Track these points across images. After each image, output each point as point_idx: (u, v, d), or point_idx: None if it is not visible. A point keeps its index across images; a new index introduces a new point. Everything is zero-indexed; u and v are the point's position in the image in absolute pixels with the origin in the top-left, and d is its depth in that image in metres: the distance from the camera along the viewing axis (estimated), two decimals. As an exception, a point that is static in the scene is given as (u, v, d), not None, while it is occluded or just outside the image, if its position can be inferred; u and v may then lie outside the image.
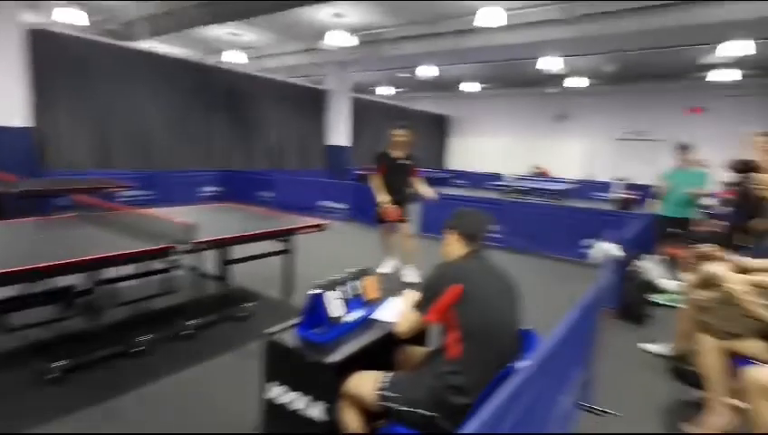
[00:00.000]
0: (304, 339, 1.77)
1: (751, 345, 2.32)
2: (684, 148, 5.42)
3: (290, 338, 1.79)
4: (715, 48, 9.13)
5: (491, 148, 18.70)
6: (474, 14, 7.82)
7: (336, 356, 1.64)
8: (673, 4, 7.43)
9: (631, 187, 12.99)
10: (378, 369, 1.77)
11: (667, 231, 5.44)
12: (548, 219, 6.72)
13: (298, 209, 8.73)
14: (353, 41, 9.70)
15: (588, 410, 2.53)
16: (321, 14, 9.56)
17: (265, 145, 12.39)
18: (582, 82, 13.81)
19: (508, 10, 7.73)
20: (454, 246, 1.82)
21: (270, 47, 12.64)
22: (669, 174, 5.46)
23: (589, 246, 5.73)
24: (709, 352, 2.40)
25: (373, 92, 17.89)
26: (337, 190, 9.25)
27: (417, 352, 1.95)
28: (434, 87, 17.21)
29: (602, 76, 13.69)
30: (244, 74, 11.69)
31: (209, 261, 3.68)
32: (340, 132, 13.31)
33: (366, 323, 1.95)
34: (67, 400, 2.37)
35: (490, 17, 7.44)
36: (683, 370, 2.87)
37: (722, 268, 2.87)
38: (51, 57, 7.73)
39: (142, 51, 9.66)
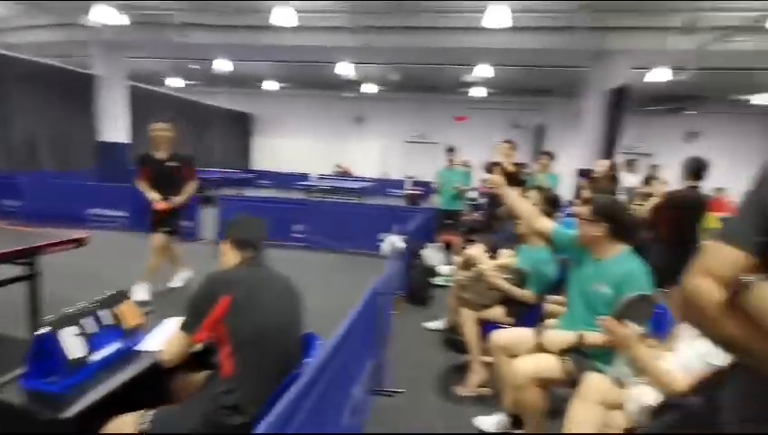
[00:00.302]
0: (34, 392, 1.38)
1: (495, 312, 2.88)
2: (450, 150, 6.46)
3: (13, 394, 1.36)
4: (470, 69, 11.16)
5: (296, 147, 18.77)
6: (268, 10, 7.64)
7: (76, 407, 1.32)
8: (433, 28, 8.73)
9: (418, 184, 14.86)
10: (151, 406, 1.51)
11: (442, 222, 6.38)
12: (349, 217, 7.10)
13: (59, 220, 7.09)
14: (123, 19, 8.32)
15: (378, 394, 2.73)
16: (80, -18, 7.91)
17: (6, 139, 9.61)
18: (373, 88, 15.12)
19: (300, 12, 7.82)
20: (228, 256, 1.70)
21: (13, 19, 9.84)
22: (441, 173, 6.41)
23: (382, 240, 6.31)
24: (467, 322, 2.87)
25: (162, 83, 15.82)
26: (112, 195, 7.84)
27: (197, 378, 1.74)
28: (232, 83, 16.26)
29: (390, 84, 15.22)
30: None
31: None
32: (115, 127, 11.27)
33: (125, 357, 1.64)
34: None
35: (282, 17, 7.40)
36: (453, 339, 3.38)
37: (476, 251, 3.47)
38: None
39: None
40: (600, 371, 1.90)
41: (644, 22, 7.82)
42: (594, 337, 1.93)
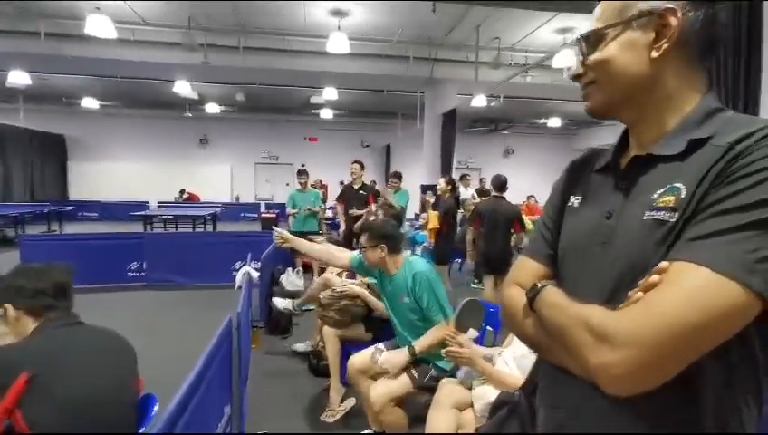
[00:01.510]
0: None
1: (356, 330, 2.92)
2: (301, 173, 6.46)
3: None
4: (319, 91, 11.39)
5: (130, 173, 16.46)
6: (74, 17, 6.62)
7: None
8: (279, 50, 8.72)
9: (271, 206, 14.46)
10: None
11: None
12: (198, 247, 6.48)
13: None
14: None
15: (242, 441, 2.51)
16: None
17: None
18: (215, 108, 14.30)
19: (119, 23, 6.99)
20: (20, 324, 1.36)
21: None
22: (294, 195, 6.36)
23: (239, 269, 5.92)
24: (329, 341, 2.86)
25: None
26: None
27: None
28: (35, 99, 13.59)
29: (236, 105, 14.58)
30: None
31: None
32: None
33: None
34: None
35: (98, 27, 6.50)
36: (317, 365, 3.33)
37: (331, 275, 3.50)
38: None
39: None
40: (442, 370, 2.14)
41: (462, 56, 9.06)
42: (421, 344, 2.17)
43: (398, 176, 6.57)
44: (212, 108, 14.28)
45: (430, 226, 5.95)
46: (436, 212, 5.99)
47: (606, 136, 15.54)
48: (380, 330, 2.86)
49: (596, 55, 0.71)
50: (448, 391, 1.91)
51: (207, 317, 3.16)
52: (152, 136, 16.79)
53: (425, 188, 8.95)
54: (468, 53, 8.82)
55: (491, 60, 8.37)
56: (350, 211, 5.86)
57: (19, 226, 9.91)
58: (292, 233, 6.22)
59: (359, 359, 2.39)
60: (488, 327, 2.54)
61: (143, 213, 10.52)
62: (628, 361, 0.57)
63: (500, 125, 16.96)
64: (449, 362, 2.10)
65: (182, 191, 15.64)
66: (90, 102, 13.55)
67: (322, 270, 6.27)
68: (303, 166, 9.08)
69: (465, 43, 8.61)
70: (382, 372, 2.20)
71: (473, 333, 1.97)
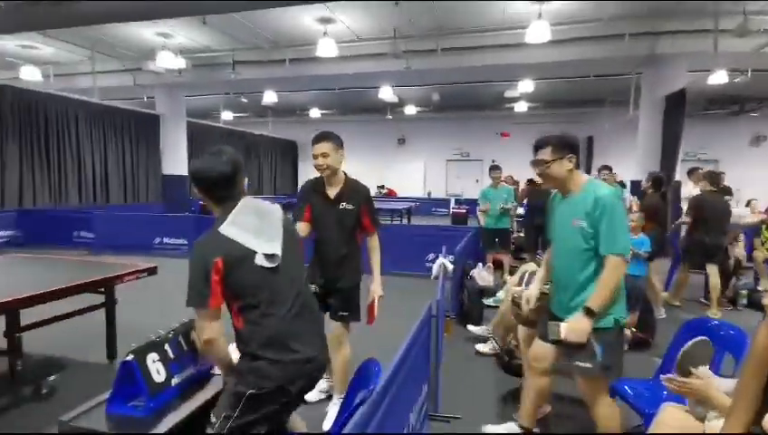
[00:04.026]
0: (118, 416, 1.49)
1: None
2: (494, 168, 6.38)
3: (97, 420, 1.48)
4: (510, 85, 11.07)
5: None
6: (308, 43, 8.02)
7: (159, 430, 1.41)
8: (473, 48, 8.78)
9: (461, 202, 14.71)
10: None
11: (490, 241, 6.28)
12: (396, 238, 7.11)
13: (129, 250, 7.66)
14: (181, 63, 9.03)
15: (434, 419, 2.69)
16: (146, 32, 8.69)
17: (82, 176, 10.56)
18: (413, 109, 15.34)
19: (340, 42, 8.14)
20: (208, 204, 1.67)
21: (82, 64, 10.93)
22: (486, 191, 6.34)
23: (432, 261, 6.27)
24: (524, 341, 2.78)
25: (217, 118, 16.88)
26: (175, 224, 8.36)
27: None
28: (279, 113, 17.05)
29: (430, 105, 15.37)
30: (48, 94, 9.84)
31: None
32: (177, 160, 12.13)
33: (199, 380, 1.74)
34: None
35: (326, 48, 7.75)
36: (509, 363, 3.29)
37: (534, 267, 3.39)
38: None
39: None
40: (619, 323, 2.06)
41: (696, 25, 7.47)
42: (597, 300, 1.97)
43: (609, 169, 6.04)
44: (409, 109, 15.39)
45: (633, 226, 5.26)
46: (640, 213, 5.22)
47: None
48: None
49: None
50: (674, 418, 1.65)
51: (403, 302, 3.48)
52: (359, 137, 19.05)
53: (635, 186, 7.78)
54: (704, 20, 7.25)
55: (734, 27, 6.69)
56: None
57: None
58: (484, 229, 6.29)
59: (540, 349, 2.31)
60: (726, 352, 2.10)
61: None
62: None
63: (746, 106, 13.42)
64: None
65: (381, 187, 17.34)
66: (315, 112, 16.32)
67: (513, 268, 6.14)
68: (494, 161, 8.92)
69: (699, 9, 7.09)
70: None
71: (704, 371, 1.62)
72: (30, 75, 9.75)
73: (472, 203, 13.09)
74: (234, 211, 1.55)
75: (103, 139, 10.93)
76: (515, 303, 2.92)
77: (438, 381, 2.84)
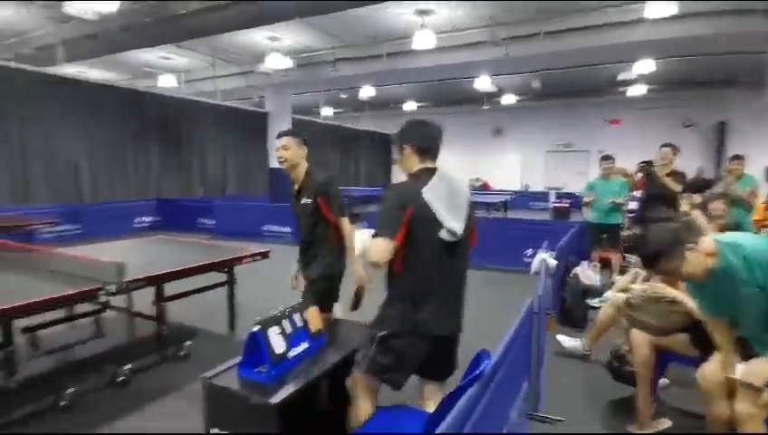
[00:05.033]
0: (246, 380, 1.69)
1: (677, 340, 2.50)
2: (605, 159, 5.86)
3: (231, 379, 1.70)
4: (625, 66, 10.05)
5: (437, 163, 19.24)
6: (405, 36, 8.08)
7: (280, 395, 1.58)
8: (580, 28, 8.12)
9: (563, 196, 13.81)
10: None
11: (597, 237, 5.82)
12: (492, 232, 6.93)
13: (242, 236, 8.50)
14: (288, 63, 9.69)
15: (535, 419, 2.60)
16: (258, 37, 9.48)
17: (205, 171, 11.94)
18: (511, 99, 14.68)
19: (438, 33, 8.08)
20: (410, 161, 1.83)
21: (205, 70, 12.30)
22: (594, 184, 5.87)
23: (530, 256, 6.01)
24: (640, 348, 2.55)
25: (317, 114, 17.88)
26: (281, 214, 9.06)
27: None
28: (373, 107, 17.50)
29: (531, 93, 14.60)
30: (180, 99, 11.27)
31: (142, 299, 3.44)
32: (282, 154, 13.11)
33: (313, 355, 1.90)
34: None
35: (423, 40, 7.75)
36: (619, 369, 3.05)
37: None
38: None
39: (61, 76, 9.03)
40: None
41: None
42: None
43: (740, 159, 5.27)
44: (507, 99, 14.78)
45: (756, 217, 4.56)
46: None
47: None
48: (710, 344, 2.38)
49: None
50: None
51: (498, 297, 3.40)
52: (453, 129, 18.74)
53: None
54: None
55: None
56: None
57: (362, 205, 13.09)
58: (591, 225, 5.83)
59: (712, 371, 2.03)
60: None
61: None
62: None
63: None
64: None
65: (476, 179, 16.97)
66: (410, 105, 16.44)
67: (624, 268, 5.63)
68: (601, 151, 8.17)
69: None
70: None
71: None
72: (167, 82, 11.23)
73: (575, 197, 12.24)
74: (434, 178, 1.72)
75: (222, 136, 12.20)
76: (631, 304, 2.70)
77: (540, 380, 2.74)
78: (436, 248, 1.70)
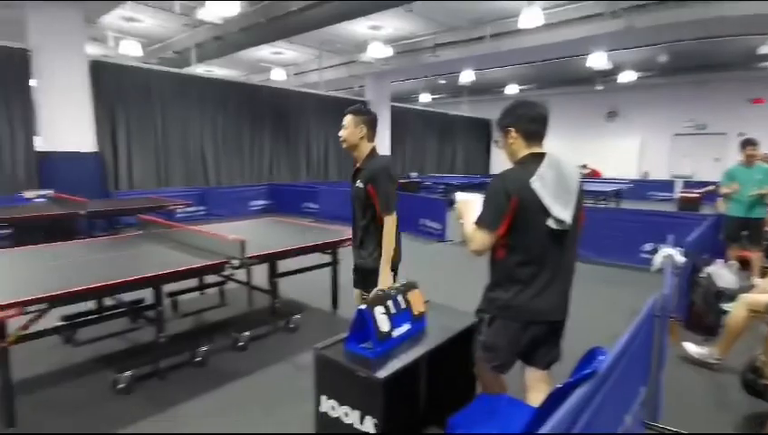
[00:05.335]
0: (353, 354, 1.78)
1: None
2: (748, 143, 5.01)
3: (338, 352, 1.81)
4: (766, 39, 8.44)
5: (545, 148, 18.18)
6: (509, 16, 7.67)
7: (385, 372, 1.64)
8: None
9: (693, 185, 12.18)
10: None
11: (736, 233, 5.04)
12: (602, 224, 6.36)
13: (343, 220, 8.88)
14: (388, 51, 9.81)
15: (653, 430, 2.37)
16: (359, 27, 9.74)
17: (310, 158, 12.72)
18: (631, 76, 13.16)
19: (545, 10, 7.54)
20: (515, 145, 1.75)
21: (310, 63, 13.02)
22: (733, 171, 5.05)
23: (650, 251, 5.42)
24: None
25: (415, 100, 17.91)
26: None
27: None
28: (473, 92, 17.00)
29: (654, 69, 12.98)
30: (289, 90, 12.09)
31: (259, 274, 3.80)
32: (379, 142, 13.43)
33: (415, 337, 1.94)
34: (135, 408, 2.52)
35: (529, 19, 7.29)
36: (753, 380, 2.64)
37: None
38: (111, 86, 8.34)
39: (194, 75, 10.24)
40: None
41: None
42: None
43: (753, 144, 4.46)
44: (626, 76, 13.29)
45: None
46: None
47: None
48: None
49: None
50: None
51: (612, 295, 3.10)
52: (559, 112, 17.43)
53: None
54: None
55: None
56: None
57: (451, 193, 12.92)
58: (729, 218, 5.06)
59: None
60: None
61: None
62: None
63: None
64: None
65: (583, 166, 15.65)
66: (512, 89, 15.66)
67: (765, 270, 4.81)
68: (742, 134, 6.93)
69: None
70: None
71: None
72: (278, 76, 12.11)
73: (707, 185, 10.67)
74: (543, 165, 1.65)
75: (324, 125, 12.85)
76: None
77: (660, 387, 2.48)
78: (544, 236, 1.65)
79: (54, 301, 2.15)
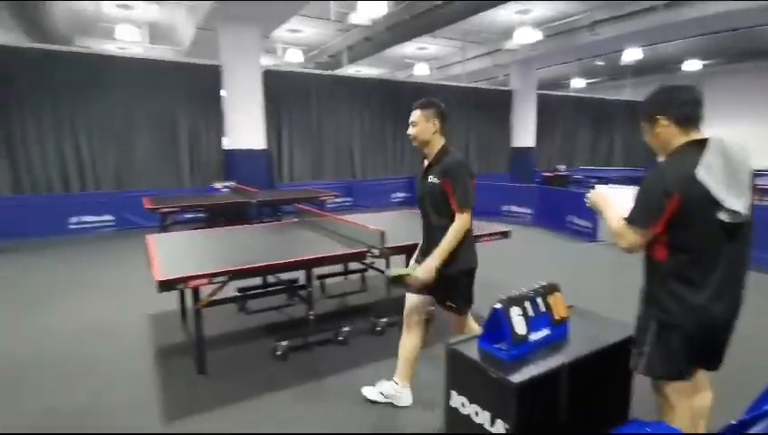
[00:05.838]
0: (486, 353, 1.74)
1: None
2: None
3: (472, 350, 1.78)
4: None
5: (728, 136, 14.98)
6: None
7: (520, 377, 1.56)
8: None
9: None
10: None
11: None
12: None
13: (482, 214, 8.66)
14: (537, 35, 9.17)
15: None
16: (503, 13, 9.31)
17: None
18: None
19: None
20: (669, 134, 1.56)
21: (453, 56, 12.94)
22: None
23: None
24: None
25: (566, 86, 16.48)
26: (521, 194, 8.84)
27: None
28: (639, 72, 14.84)
29: None
30: (430, 84, 12.23)
31: (395, 264, 3.95)
32: (525, 133, 12.70)
33: (554, 344, 1.80)
34: (288, 375, 2.88)
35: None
36: None
37: None
38: (277, 91, 9.53)
39: (344, 76, 11.09)
40: None
41: None
42: None
43: None
44: None
45: None
46: None
47: None
48: None
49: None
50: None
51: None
52: (753, 93, 14.24)
53: None
54: None
55: None
56: None
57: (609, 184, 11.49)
58: None
59: None
60: None
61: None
62: None
63: None
64: None
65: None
66: (692, 65, 13.23)
67: None
68: None
69: None
70: None
71: None
72: (421, 71, 12.36)
73: None
74: (708, 153, 1.47)
75: (465, 118, 12.67)
76: None
77: None
78: (714, 232, 1.46)
79: (233, 275, 2.58)
